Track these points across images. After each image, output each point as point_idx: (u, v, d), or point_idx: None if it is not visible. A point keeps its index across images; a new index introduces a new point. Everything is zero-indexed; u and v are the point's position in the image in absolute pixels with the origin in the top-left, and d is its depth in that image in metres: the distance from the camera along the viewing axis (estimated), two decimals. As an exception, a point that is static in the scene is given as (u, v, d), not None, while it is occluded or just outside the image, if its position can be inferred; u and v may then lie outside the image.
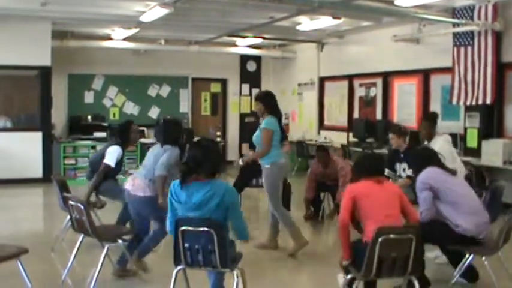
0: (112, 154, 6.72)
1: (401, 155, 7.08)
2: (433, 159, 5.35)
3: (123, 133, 6.96)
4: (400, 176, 7.02)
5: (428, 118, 7.04)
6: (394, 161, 7.18)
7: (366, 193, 4.52)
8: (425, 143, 6.76)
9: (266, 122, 6.50)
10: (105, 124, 13.82)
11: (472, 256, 4.99)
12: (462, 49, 9.78)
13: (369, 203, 4.49)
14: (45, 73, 11.96)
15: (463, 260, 5.09)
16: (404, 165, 7.02)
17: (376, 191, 4.54)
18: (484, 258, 4.95)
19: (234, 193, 4.21)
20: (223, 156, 15.01)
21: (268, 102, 6.63)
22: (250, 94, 16.16)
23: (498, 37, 9.35)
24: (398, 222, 4.51)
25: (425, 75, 11.09)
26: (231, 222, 4.22)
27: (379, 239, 3.94)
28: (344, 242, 4.48)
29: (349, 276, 4.41)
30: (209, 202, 4.04)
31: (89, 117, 13.92)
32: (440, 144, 6.45)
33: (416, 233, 4.06)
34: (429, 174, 5.19)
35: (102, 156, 6.77)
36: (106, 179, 6.78)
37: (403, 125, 7.75)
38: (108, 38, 13.44)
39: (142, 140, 13.09)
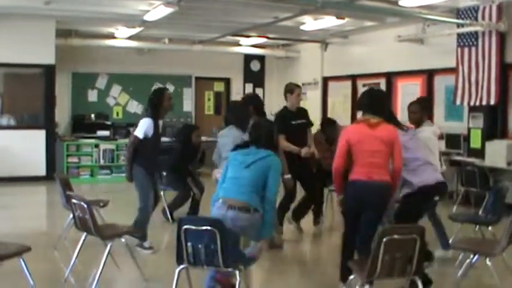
0: (141, 126, 6.41)
1: None
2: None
3: (154, 103, 6.58)
4: None
5: (420, 102, 6.62)
6: None
7: (356, 139, 4.87)
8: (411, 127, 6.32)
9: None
10: (108, 123, 13.83)
11: (476, 257, 4.97)
12: (466, 49, 9.76)
13: (358, 150, 4.85)
14: (49, 71, 11.98)
15: (467, 260, 5.08)
16: None
17: (365, 138, 4.85)
18: (488, 259, 4.93)
19: (276, 159, 4.66)
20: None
21: (257, 104, 6.59)
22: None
23: (502, 38, 9.34)
24: (381, 169, 4.83)
25: (429, 75, 11.07)
26: (268, 183, 4.50)
27: (384, 240, 3.93)
28: (338, 185, 5.03)
29: (352, 277, 4.40)
30: (257, 163, 4.52)
31: (93, 115, 13.92)
32: (426, 136, 6.09)
33: (421, 233, 4.05)
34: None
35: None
36: (139, 152, 6.40)
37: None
38: (112, 36, 13.45)
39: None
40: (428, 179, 5.30)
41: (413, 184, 5.24)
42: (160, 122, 6.62)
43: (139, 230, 6.42)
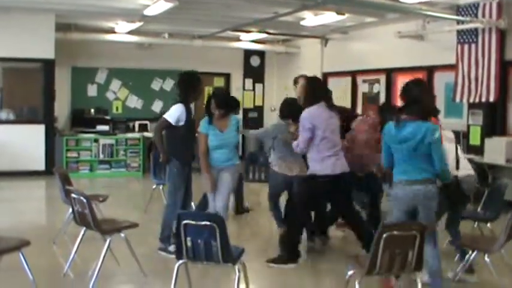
0: (173, 111, 6.13)
1: None
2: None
3: (187, 88, 6.29)
4: None
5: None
6: None
7: None
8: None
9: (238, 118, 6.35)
10: (108, 117, 13.82)
11: (475, 253, 4.98)
12: (466, 46, 9.75)
13: None
14: (48, 66, 11.97)
15: (467, 257, 5.09)
16: None
17: None
18: (486, 255, 4.94)
19: (435, 132, 4.71)
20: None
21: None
22: (254, 89, 16.18)
23: (502, 35, 9.32)
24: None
25: (429, 72, 11.05)
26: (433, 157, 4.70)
27: (384, 236, 3.94)
28: None
29: (351, 272, 4.40)
30: (414, 137, 4.66)
31: (92, 110, 13.91)
32: None
33: (421, 229, 4.06)
34: (310, 113, 5.76)
35: None
36: (171, 141, 6.21)
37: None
38: (112, 31, 13.43)
39: (146, 134, 13.07)
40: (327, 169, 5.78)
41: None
42: (192, 106, 6.42)
43: (164, 230, 6.27)
